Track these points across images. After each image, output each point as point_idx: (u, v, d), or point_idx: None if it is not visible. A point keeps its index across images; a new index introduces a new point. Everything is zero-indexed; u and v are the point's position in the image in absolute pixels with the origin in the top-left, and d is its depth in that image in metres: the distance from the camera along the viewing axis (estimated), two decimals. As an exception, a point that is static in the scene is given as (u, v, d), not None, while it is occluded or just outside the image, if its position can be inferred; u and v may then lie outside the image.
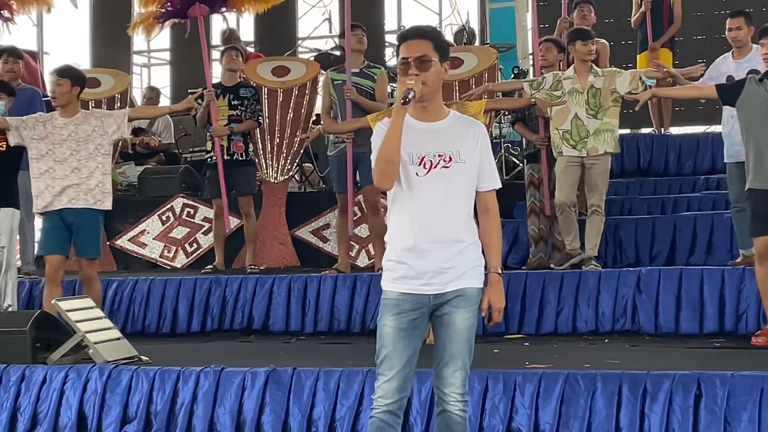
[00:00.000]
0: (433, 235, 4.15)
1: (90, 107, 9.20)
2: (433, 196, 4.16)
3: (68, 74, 7.59)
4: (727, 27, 8.19)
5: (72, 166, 7.38)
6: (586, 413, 5.28)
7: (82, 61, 16.07)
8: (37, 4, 10.20)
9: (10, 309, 7.82)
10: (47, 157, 7.40)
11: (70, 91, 7.50)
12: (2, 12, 9.97)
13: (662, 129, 11.52)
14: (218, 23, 13.57)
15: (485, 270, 4.29)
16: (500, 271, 4.26)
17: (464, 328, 4.19)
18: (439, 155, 4.18)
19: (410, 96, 4.07)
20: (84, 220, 7.44)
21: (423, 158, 4.17)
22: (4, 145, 7.79)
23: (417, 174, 4.16)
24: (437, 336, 4.24)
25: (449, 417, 4.18)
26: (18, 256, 8.68)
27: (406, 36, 4.26)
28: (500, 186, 4.36)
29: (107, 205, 7.51)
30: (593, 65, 8.17)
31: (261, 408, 5.84)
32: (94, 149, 7.43)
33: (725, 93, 6.86)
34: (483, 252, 4.29)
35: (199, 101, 9.05)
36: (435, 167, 4.17)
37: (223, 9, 9.67)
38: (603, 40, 10.20)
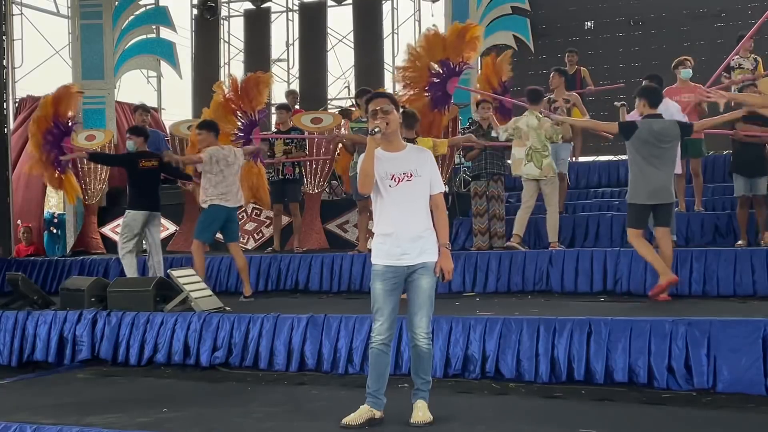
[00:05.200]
0: (403, 226, 4.10)
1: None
2: (401, 199, 4.12)
3: (211, 126, 7.61)
4: None
5: (222, 178, 7.38)
6: (516, 344, 5.29)
7: (186, 113, 16.09)
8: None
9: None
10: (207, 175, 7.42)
11: (212, 136, 7.52)
12: None
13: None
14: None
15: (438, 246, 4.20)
16: (448, 246, 4.17)
17: (427, 288, 4.11)
18: (404, 173, 4.13)
19: (376, 130, 4.08)
20: (230, 215, 7.47)
21: (393, 175, 4.13)
22: (153, 164, 7.86)
23: (390, 186, 4.13)
24: (409, 294, 4.16)
25: (419, 348, 4.13)
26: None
27: (373, 97, 4.26)
28: (445, 190, 4.27)
29: (242, 202, 7.71)
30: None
31: (303, 341, 5.85)
32: (236, 170, 7.48)
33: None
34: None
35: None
36: (402, 181, 4.13)
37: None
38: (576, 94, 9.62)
